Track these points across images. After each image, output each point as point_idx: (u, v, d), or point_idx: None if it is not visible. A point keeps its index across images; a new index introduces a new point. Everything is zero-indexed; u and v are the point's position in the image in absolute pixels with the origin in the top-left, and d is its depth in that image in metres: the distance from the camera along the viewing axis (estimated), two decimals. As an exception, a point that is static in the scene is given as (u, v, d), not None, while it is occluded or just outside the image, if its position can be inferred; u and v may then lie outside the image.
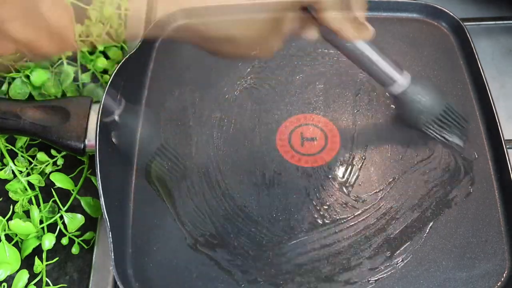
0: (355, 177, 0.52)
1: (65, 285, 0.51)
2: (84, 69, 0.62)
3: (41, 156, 0.55)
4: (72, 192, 0.54)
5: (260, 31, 0.39)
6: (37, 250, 0.51)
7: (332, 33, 0.44)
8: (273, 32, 0.40)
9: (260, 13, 0.40)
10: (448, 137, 0.52)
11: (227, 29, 0.39)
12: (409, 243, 0.48)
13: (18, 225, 0.50)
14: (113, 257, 0.44)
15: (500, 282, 0.46)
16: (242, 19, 0.39)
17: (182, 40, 0.44)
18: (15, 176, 0.54)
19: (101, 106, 0.50)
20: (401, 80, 0.48)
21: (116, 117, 0.53)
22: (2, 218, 0.51)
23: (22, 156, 0.56)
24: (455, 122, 0.52)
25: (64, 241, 0.52)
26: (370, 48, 0.46)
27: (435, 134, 0.52)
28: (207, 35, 0.38)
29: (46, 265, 0.51)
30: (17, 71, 0.60)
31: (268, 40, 0.41)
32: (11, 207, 0.52)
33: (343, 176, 0.52)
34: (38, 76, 0.59)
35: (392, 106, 0.56)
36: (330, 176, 0.52)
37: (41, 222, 0.52)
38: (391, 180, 0.52)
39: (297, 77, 0.58)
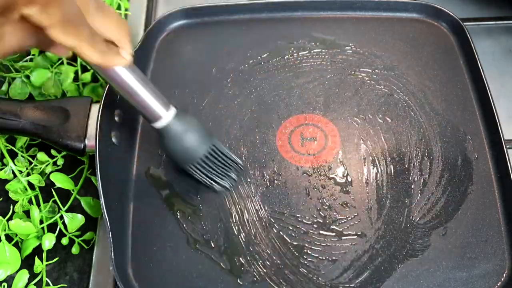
0: (355, 177, 0.52)
1: (65, 285, 0.51)
2: (84, 69, 0.62)
3: (41, 156, 0.55)
4: (72, 192, 0.54)
5: None
6: (37, 250, 0.51)
7: None
8: None
9: None
10: (218, 180, 0.49)
11: None
12: (409, 243, 0.48)
13: (18, 225, 0.50)
14: (113, 257, 0.44)
15: (500, 282, 0.46)
16: None
17: None
18: (15, 176, 0.54)
19: (101, 106, 0.50)
20: (165, 116, 0.45)
21: (116, 117, 0.53)
22: (2, 218, 0.51)
23: (22, 156, 0.56)
24: (225, 163, 0.49)
25: (64, 241, 0.52)
26: (133, 76, 0.42)
27: (201, 176, 0.49)
28: None
29: (46, 265, 0.51)
30: (17, 71, 0.60)
31: None
32: (11, 207, 0.52)
33: (343, 176, 0.52)
34: (38, 76, 0.59)
35: (386, 110, 0.56)
36: (330, 176, 0.52)
37: (41, 222, 0.52)
38: (391, 179, 0.51)
39: (297, 77, 0.59)
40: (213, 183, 0.50)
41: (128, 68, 0.42)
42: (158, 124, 0.46)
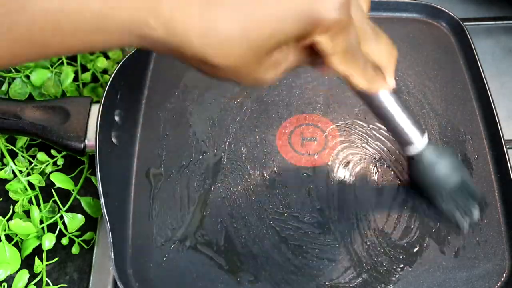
0: (355, 177, 0.52)
1: (65, 285, 0.51)
2: (84, 69, 0.62)
3: (41, 156, 0.55)
4: (72, 192, 0.54)
5: (246, 63, 0.32)
6: (37, 250, 0.51)
7: None
8: (265, 65, 0.33)
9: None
10: (458, 215, 0.47)
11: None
12: (409, 243, 0.48)
13: (18, 225, 0.50)
14: (113, 257, 0.44)
15: (500, 282, 0.46)
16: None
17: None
18: (15, 176, 0.55)
19: (101, 106, 0.50)
20: (418, 142, 0.44)
21: (116, 117, 0.53)
22: (2, 218, 0.51)
23: (22, 156, 0.56)
24: (470, 199, 0.47)
25: (64, 241, 0.52)
26: (393, 100, 0.41)
27: (447, 207, 0.47)
28: (182, 53, 0.31)
29: (46, 265, 0.51)
30: (17, 71, 0.60)
31: (258, 73, 0.34)
32: (11, 207, 0.52)
33: (343, 176, 0.52)
34: (38, 76, 0.59)
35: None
36: (330, 176, 0.52)
37: (41, 222, 0.52)
38: (391, 180, 0.51)
39: (297, 77, 0.58)
40: (457, 217, 0.47)
41: (390, 92, 0.41)
42: (412, 150, 0.45)
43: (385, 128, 0.54)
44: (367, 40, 0.37)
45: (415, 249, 0.48)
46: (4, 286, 0.50)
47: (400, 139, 0.45)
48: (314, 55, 0.34)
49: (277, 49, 0.32)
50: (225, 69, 0.32)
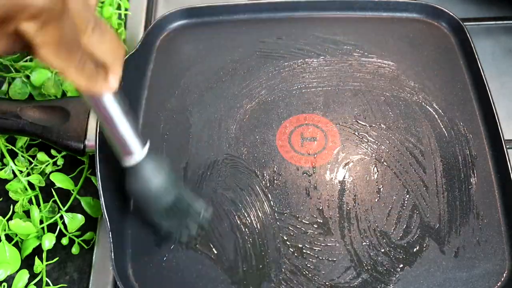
0: (355, 177, 0.52)
1: (65, 285, 0.51)
2: (84, 69, 0.61)
3: (41, 156, 0.55)
4: (72, 192, 0.54)
5: None
6: (37, 250, 0.51)
7: None
8: None
9: None
10: (173, 228, 0.47)
11: None
12: (409, 243, 0.48)
13: (18, 225, 0.50)
14: (113, 257, 0.44)
15: (500, 282, 0.46)
16: None
17: None
18: (15, 176, 0.55)
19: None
20: (139, 154, 0.42)
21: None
22: (2, 218, 0.51)
23: (22, 156, 0.56)
24: (188, 213, 0.47)
25: (64, 241, 0.52)
26: (116, 105, 0.38)
27: (160, 221, 0.46)
28: None
29: (46, 265, 0.51)
30: (17, 71, 0.60)
31: None
32: (11, 207, 0.52)
33: (343, 176, 0.52)
34: (38, 76, 0.59)
35: (390, 108, 0.56)
36: (330, 176, 0.52)
37: (41, 222, 0.52)
38: (391, 180, 0.52)
39: (297, 77, 0.58)
40: (172, 229, 0.47)
41: (113, 95, 0.38)
42: (131, 161, 0.42)
43: (385, 128, 0.55)
44: (88, 33, 0.33)
45: (415, 249, 0.48)
46: (4, 286, 0.50)
47: (119, 148, 0.42)
48: (25, 43, 0.30)
49: None
50: None
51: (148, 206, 0.46)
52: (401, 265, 0.47)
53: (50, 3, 0.27)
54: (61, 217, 0.52)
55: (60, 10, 0.29)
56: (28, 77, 0.59)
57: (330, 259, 0.48)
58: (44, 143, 0.52)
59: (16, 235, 0.51)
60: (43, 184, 0.54)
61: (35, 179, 0.54)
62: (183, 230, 0.48)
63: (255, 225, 0.49)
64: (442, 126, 0.55)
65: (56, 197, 0.53)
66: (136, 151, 0.42)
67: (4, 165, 0.55)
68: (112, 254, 0.44)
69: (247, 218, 0.50)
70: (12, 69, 0.60)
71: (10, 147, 0.56)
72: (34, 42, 0.29)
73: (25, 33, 0.29)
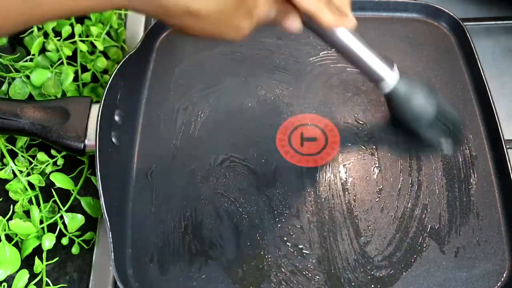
0: (355, 177, 0.52)
1: (65, 285, 0.51)
2: (84, 69, 0.62)
3: (41, 156, 0.55)
4: (72, 192, 0.54)
5: (225, 5, 0.35)
6: (37, 250, 0.51)
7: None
8: (241, 10, 0.36)
9: None
10: (441, 140, 0.50)
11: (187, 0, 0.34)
12: (409, 243, 0.48)
13: (18, 225, 0.49)
14: (113, 257, 0.44)
15: (500, 282, 0.46)
16: None
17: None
18: (15, 176, 0.54)
19: (101, 106, 0.50)
20: (389, 77, 0.46)
21: (116, 117, 0.53)
22: (2, 218, 0.51)
23: (22, 156, 0.56)
24: (450, 124, 0.49)
25: (64, 241, 0.52)
26: (355, 39, 0.44)
27: (429, 135, 0.49)
28: (165, 6, 0.34)
29: (46, 265, 0.51)
30: (17, 71, 0.60)
31: (236, 18, 0.37)
32: (11, 207, 0.52)
33: (343, 176, 0.52)
34: (38, 76, 0.59)
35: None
36: (330, 176, 0.52)
37: (41, 222, 0.52)
38: (391, 180, 0.51)
39: (298, 77, 0.59)
40: (441, 142, 0.50)
41: (352, 31, 0.44)
42: (385, 87, 0.46)
43: (385, 128, 0.55)
44: None
45: (415, 249, 0.48)
46: (4, 286, 0.49)
47: (371, 77, 0.46)
48: (279, 4, 0.38)
49: None
50: (206, 16, 0.34)
51: (416, 123, 0.48)
52: (401, 265, 0.47)
53: None
54: (61, 217, 0.52)
55: None
56: (28, 77, 0.59)
57: (330, 259, 0.48)
58: (44, 143, 0.52)
59: (16, 235, 0.51)
60: (43, 184, 0.54)
61: (35, 179, 0.54)
62: (448, 137, 0.50)
63: (255, 225, 0.49)
64: (442, 126, 0.55)
65: (56, 197, 0.53)
66: (387, 76, 0.46)
67: (4, 165, 0.55)
68: (112, 254, 0.44)
69: (247, 218, 0.50)
70: (12, 69, 0.60)
71: (10, 147, 0.56)
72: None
73: None
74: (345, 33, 0.43)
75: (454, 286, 0.46)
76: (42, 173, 0.55)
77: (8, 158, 0.55)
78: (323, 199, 0.51)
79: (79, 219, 0.53)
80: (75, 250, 0.52)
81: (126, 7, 0.35)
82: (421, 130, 0.48)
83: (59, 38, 0.60)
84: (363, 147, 0.54)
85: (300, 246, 0.48)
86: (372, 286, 0.46)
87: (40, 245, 0.51)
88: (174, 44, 0.62)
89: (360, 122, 0.55)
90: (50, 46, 0.59)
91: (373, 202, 0.50)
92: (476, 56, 0.57)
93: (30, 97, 0.60)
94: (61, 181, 0.53)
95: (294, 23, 0.41)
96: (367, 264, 0.47)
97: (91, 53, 0.62)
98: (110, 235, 0.45)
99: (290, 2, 0.39)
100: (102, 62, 0.61)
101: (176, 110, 0.57)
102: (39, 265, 0.50)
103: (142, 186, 0.52)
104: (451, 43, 0.61)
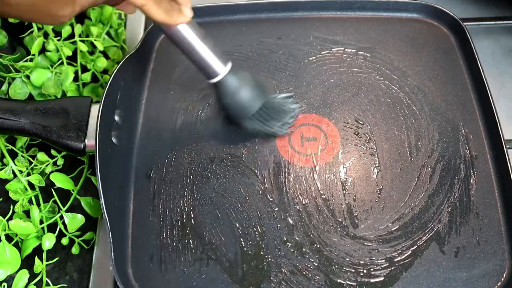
0: (355, 177, 0.52)
1: (65, 285, 0.51)
2: (84, 69, 0.62)
3: (41, 156, 0.55)
4: (72, 192, 0.54)
5: None
6: (37, 250, 0.51)
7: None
8: (56, 2, 0.36)
9: None
10: (276, 129, 0.52)
11: None
12: (409, 243, 0.48)
13: (18, 225, 0.50)
14: (113, 257, 0.44)
15: (500, 282, 0.46)
16: None
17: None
18: (15, 176, 0.54)
19: (101, 106, 0.50)
20: (223, 71, 0.48)
21: (116, 117, 0.53)
22: (2, 218, 0.51)
23: (22, 156, 0.56)
24: (275, 115, 0.52)
25: (64, 241, 0.52)
26: (193, 33, 0.44)
27: (259, 126, 0.51)
28: None
29: (46, 265, 0.51)
30: (17, 71, 0.60)
31: (51, 9, 0.36)
32: (11, 207, 0.52)
33: (343, 176, 0.52)
34: (38, 76, 0.59)
35: (389, 105, 0.56)
36: (330, 176, 0.52)
37: (41, 222, 0.52)
38: (391, 180, 0.52)
39: (298, 77, 0.58)
40: (271, 131, 0.52)
41: (189, 25, 0.44)
42: (216, 79, 0.48)
43: (385, 128, 0.55)
44: None
45: (415, 249, 0.48)
46: (4, 286, 0.49)
47: (205, 71, 0.47)
48: None
49: None
50: (16, 5, 0.34)
51: (241, 114, 0.50)
52: (401, 265, 0.47)
53: None
54: (61, 217, 0.52)
55: None
56: (28, 77, 0.59)
57: (330, 259, 0.48)
58: (44, 143, 0.52)
59: (16, 235, 0.51)
60: (43, 184, 0.54)
61: (35, 179, 0.54)
62: (282, 126, 0.52)
63: (255, 225, 0.49)
64: (442, 126, 0.55)
65: (56, 197, 0.53)
66: (220, 71, 0.47)
67: (4, 165, 0.55)
68: (112, 254, 0.44)
69: (247, 218, 0.50)
70: (12, 69, 0.60)
71: (10, 147, 0.56)
72: None
73: None
74: (181, 27, 0.44)
75: (454, 286, 0.46)
76: (42, 173, 0.55)
77: (8, 158, 0.55)
78: (323, 199, 0.51)
79: (79, 219, 0.53)
80: (75, 250, 0.52)
81: None
82: (245, 120, 0.50)
83: (59, 38, 0.60)
84: (363, 147, 0.54)
85: (300, 246, 0.48)
86: (372, 285, 0.46)
87: (40, 245, 0.51)
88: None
89: (360, 122, 0.55)
90: (50, 46, 0.59)
91: (373, 202, 0.50)
92: (476, 56, 0.57)
93: (30, 97, 0.60)
94: (61, 181, 0.53)
95: (127, 9, 0.42)
96: (367, 264, 0.47)
97: (91, 53, 0.62)
98: (110, 235, 0.45)
99: None
100: (102, 62, 0.61)
101: (176, 110, 0.57)
102: (39, 265, 0.50)
103: (142, 186, 0.52)
104: (451, 43, 0.61)
